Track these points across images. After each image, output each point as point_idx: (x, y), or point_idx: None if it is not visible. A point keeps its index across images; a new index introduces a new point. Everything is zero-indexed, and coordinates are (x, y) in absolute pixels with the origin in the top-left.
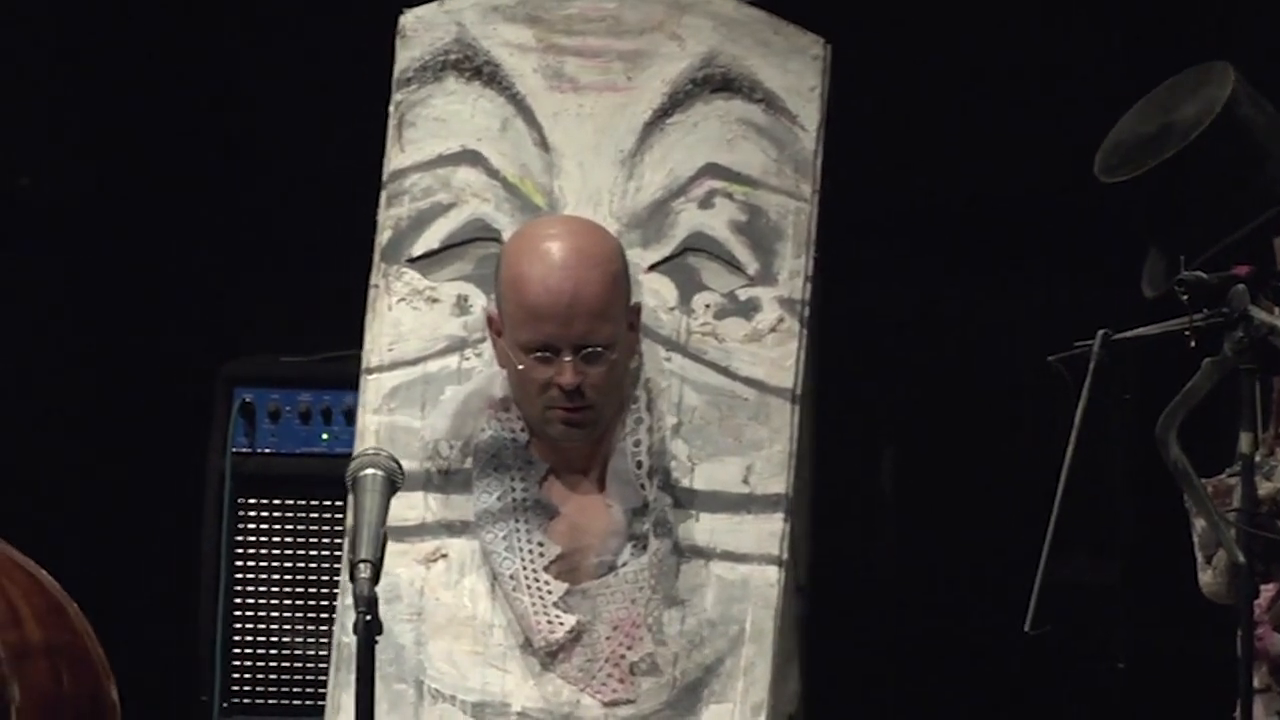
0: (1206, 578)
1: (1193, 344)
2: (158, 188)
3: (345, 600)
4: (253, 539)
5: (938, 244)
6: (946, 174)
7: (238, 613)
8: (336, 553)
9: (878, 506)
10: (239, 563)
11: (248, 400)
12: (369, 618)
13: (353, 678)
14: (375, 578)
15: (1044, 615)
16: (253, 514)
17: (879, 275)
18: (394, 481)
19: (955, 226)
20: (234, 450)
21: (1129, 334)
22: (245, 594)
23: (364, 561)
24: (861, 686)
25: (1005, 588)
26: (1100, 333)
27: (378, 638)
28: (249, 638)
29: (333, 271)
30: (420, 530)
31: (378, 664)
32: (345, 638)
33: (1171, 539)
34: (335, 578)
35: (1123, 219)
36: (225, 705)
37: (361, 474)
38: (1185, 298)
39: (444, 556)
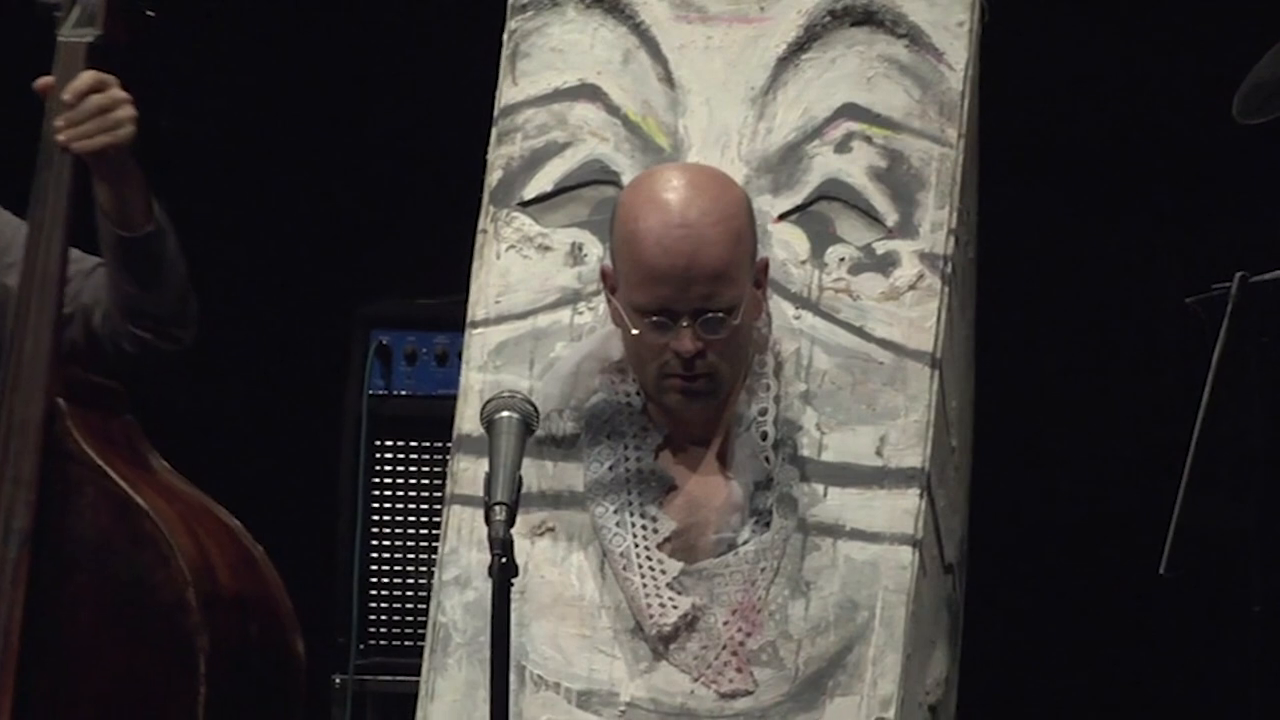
0: None
1: None
2: (295, 129)
3: (444, 575)
4: (389, 481)
5: (1075, 186)
6: (1085, 115)
7: (374, 555)
8: None
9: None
10: (375, 505)
11: (384, 343)
12: (504, 560)
13: (449, 660)
14: (511, 520)
15: (1180, 558)
16: (389, 456)
17: (1014, 218)
18: (529, 424)
19: (1093, 168)
20: (370, 393)
21: (1267, 276)
22: (382, 536)
23: (499, 504)
24: (1008, 656)
25: (1141, 530)
26: (1238, 275)
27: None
28: (386, 580)
29: (469, 212)
30: (525, 501)
31: (476, 646)
32: (442, 617)
33: None
34: None
35: (1262, 161)
36: (362, 647)
37: (497, 417)
38: None
39: (550, 530)
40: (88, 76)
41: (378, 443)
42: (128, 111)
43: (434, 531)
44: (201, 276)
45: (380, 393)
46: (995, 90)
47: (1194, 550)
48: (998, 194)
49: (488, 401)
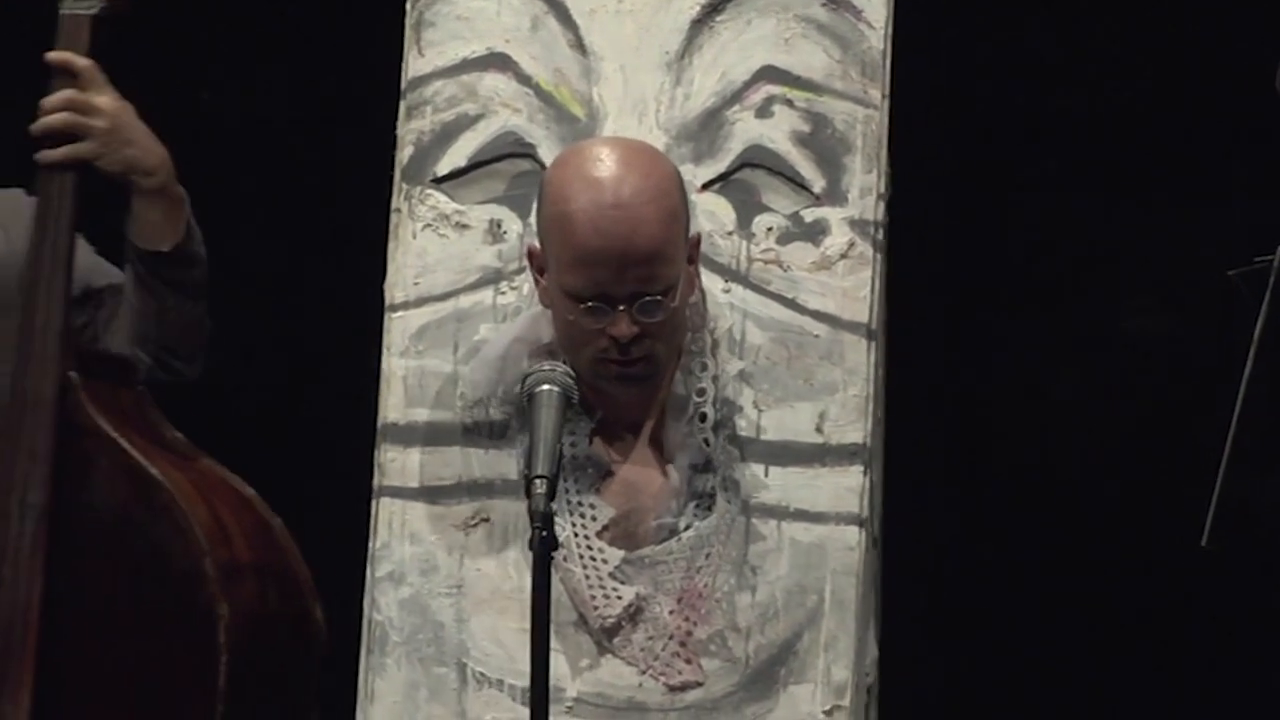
0: None
1: None
2: (324, 109)
3: (376, 572)
4: None
5: (1115, 156)
6: (1125, 85)
7: None
8: None
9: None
10: None
11: None
12: (544, 533)
13: (387, 660)
14: (551, 494)
15: (1221, 531)
16: None
17: (1055, 186)
18: (569, 397)
19: (1133, 139)
20: None
21: None
22: None
23: (540, 478)
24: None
25: (1183, 503)
26: None
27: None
28: None
29: None
30: (457, 491)
31: (414, 644)
32: (377, 615)
33: None
34: None
35: None
36: None
37: (537, 390)
38: None
39: (485, 521)
40: (59, 98)
41: None
42: (96, 126)
43: None
44: (235, 255)
45: None
46: (1030, 62)
47: (1236, 523)
48: (1039, 164)
49: (528, 374)
